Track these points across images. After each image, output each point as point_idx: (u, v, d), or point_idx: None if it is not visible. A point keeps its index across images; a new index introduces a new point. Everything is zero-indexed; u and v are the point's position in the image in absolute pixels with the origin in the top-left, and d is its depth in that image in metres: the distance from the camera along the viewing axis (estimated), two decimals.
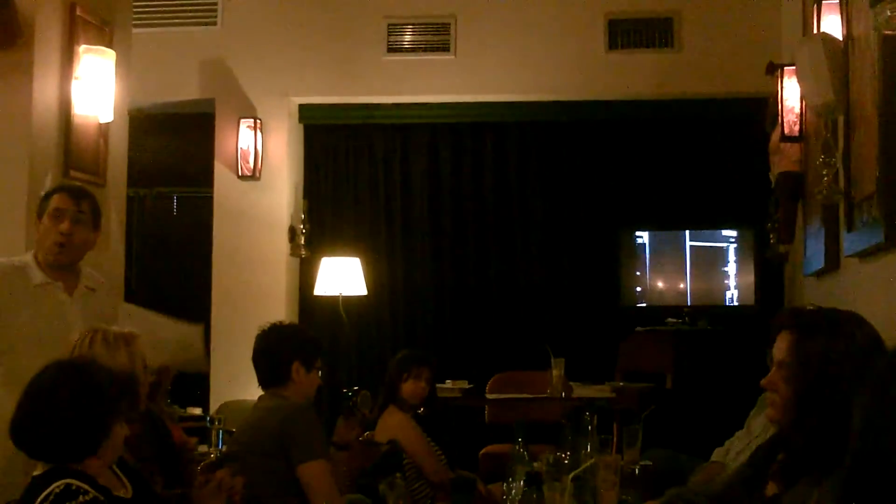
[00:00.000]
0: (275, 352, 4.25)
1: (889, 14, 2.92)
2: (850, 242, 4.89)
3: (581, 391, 6.87)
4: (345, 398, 4.36)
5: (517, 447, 2.61)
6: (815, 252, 5.96)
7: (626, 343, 7.95)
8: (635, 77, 8.18)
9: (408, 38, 8.37)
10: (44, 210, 4.12)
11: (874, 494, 1.22)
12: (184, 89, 8.43)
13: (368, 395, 4.42)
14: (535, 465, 3.06)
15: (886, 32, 3.32)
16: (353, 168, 8.73)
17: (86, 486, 2.76)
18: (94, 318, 3.87)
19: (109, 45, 5.69)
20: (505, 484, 2.68)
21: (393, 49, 8.35)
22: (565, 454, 3.28)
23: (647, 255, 8.30)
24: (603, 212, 8.43)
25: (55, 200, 4.11)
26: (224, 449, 4.70)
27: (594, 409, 3.87)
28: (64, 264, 4.11)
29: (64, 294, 4.09)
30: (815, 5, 5.43)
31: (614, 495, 3.57)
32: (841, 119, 5.13)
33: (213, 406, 7.65)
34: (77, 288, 4.15)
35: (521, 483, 2.58)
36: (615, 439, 3.85)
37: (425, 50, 8.35)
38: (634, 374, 7.65)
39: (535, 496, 2.42)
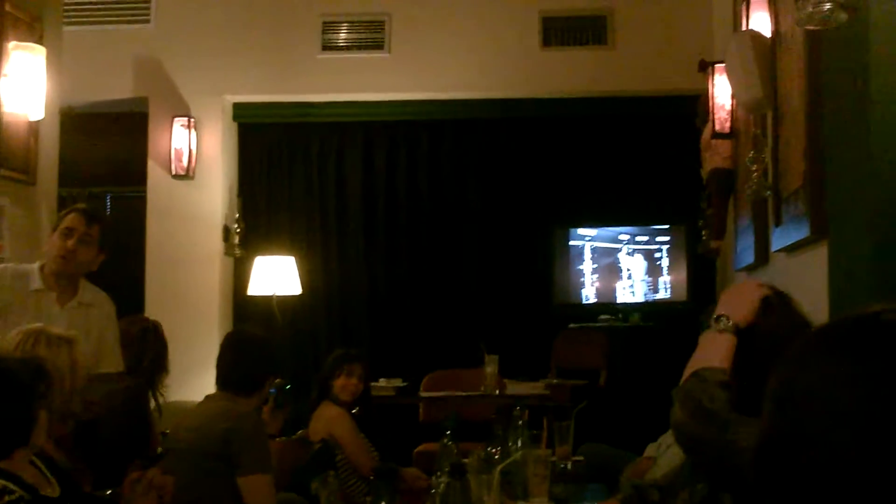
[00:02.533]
0: (257, 363, 4.24)
1: (811, 10, 2.94)
2: (778, 237, 4.94)
3: (515, 388, 6.89)
4: (272, 391, 4.36)
5: (445, 440, 2.61)
6: (745, 247, 6.02)
7: (560, 340, 8.00)
8: (569, 74, 8.22)
9: (343, 36, 8.35)
10: (57, 226, 4.48)
11: (785, 464, 1.23)
12: (117, 88, 8.34)
13: (290, 389, 4.43)
14: (467, 460, 3.06)
15: (809, 28, 3.35)
16: (287, 167, 8.69)
17: (12, 486, 2.73)
18: (83, 333, 3.91)
19: (40, 42, 5.62)
20: (433, 477, 2.67)
21: (328, 47, 8.32)
22: (496, 449, 3.29)
23: (581, 252, 8.34)
24: (537, 209, 8.47)
25: (68, 220, 4.47)
26: (158, 450, 4.66)
27: (525, 405, 3.88)
28: (62, 274, 4.42)
29: (56, 306, 4.37)
30: (745, 2, 5.47)
31: (544, 489, 3.59)
32: (769, 115, 5.18)
33: None
34: (70, 302, 4.43)
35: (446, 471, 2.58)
36: (545, 434, 3.86)
37: (360, 48, 8.33)
38: (569, 371, 7.69)
39: (458, 486, 2.42)
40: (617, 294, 8.28)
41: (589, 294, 8.30)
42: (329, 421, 5.19)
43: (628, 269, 8.30)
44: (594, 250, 8.34)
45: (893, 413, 1.16)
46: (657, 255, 8.27)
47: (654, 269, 8.27)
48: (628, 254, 8.31)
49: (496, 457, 3.19)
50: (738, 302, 2.47)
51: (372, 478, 1.73)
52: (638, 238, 8.33)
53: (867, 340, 1.22)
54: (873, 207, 3.01)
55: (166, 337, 5.04)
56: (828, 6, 2.86)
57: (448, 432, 2.64)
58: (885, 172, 2.97)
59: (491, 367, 6.51)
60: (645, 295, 8.26)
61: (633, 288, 8.29)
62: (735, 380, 2.39)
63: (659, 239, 8.28)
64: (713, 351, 2.45)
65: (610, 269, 8.34)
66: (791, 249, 4.69)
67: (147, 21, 8.34)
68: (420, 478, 4.92)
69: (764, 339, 2.37)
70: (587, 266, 8.33)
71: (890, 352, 1.20)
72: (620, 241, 8.34)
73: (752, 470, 1.29)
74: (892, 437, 1.16)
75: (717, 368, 2.41)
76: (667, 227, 8.24)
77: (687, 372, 2.42)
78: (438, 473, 2.66)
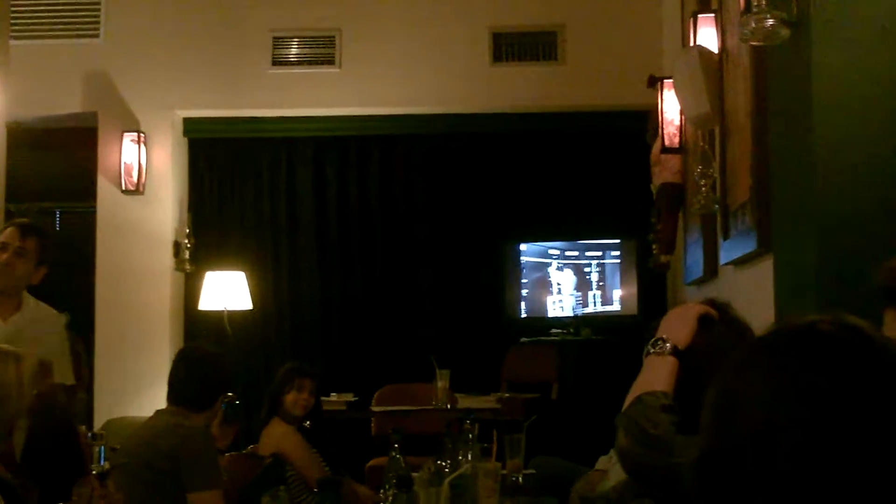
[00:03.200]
0: (209, 379, 4.24)
1: (754, 25, 2.99)
2: (726, 251, 5.00)
3: (466, 402, 6.90)
4: (222, 406, 4.36)
5: (393, 453, 2.61)
6: (694, 261, 6.08)
7: (511, 354, 8.01)
8: (520, 90, 8.25)
9: (293, 51, 8.35)
10: None
11: (723, 475, 1.24)
12: (66, 102, 8.27)
13: (239, 404, 4.43)
14: (416, 474, 3.06)
15: (753, 43, 3.39)
16: (238, 182, 8.66)
17: None
18: (28, 348, 3.89)
19: None
20: (381, 491, 2.68)
21: (278, 62, 8.31)
22: (446, 462, 3.29)
23: (531, 267, 8.38)
24: (488, 224, 8.49)
25: (3, 235, 4.50)
26: (106, 465, 4.63)
27: (475, 419, 3.89)
28: (1, 289, 4.43)
29: None
30: (693, 19, 5.54)
31: (494, 502, 3.60)
32: (717, 130, 5.25)
33: (98, 423, 7.51)
34: (12, 316, 4.43)
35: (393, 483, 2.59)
36: (495, 447, 3.87)
37: (310, 63, 8.32)
38: (520, 385, 7.70)
39: (405, 498, 2.43)
40: (567, 308, 8.31)
41: (539, 308, 8.33)
42: (278, 438, 5.17)
43: (578, 283, 8.33)
44: (544, 264, 8.38)
45: (828, 423, 1.18)
46: (608, 269, 8.32)
47: (604, 284, 8.31)
48: (579, 268, 8.35)
49: (446, 470, 3.20)
50: (676, 324, 2.50)
51: (316, 490, 1.73)
52: (588, 253, 8.37)
53: (803, 351, 1.24)
54: (817, 221, 3.05)
55: (118, 351, 5.02)
56: (770, 22, 2.91)
57: (396, 445, 2.64)
58: (827, 187, 3.02)
59: (442, 382, 6.52)
60: (595, 309, 8.29)
61: (583, 302, 8.33)
62: (679, 401, 2.41)
63: (610, 253, 8.32)
64: (655, 375, 2.47)
65: (560, 284, 8.37)
66: (739, 263, 4.75)
67: (96, 35, 8.29)
68: (371, 498, 4.93)
69: (705, 356, 2.39)
70: (537, 280, 8.36)
71: (825, 362, 1.21)
72: (571, 257, 8.38)
73: (692, 480, 1.30)
74: (827, 448, 1.18)
75: (659, 392, 2.42)
76: (617, 241, 8.28)
77: (630, 397, 2.44)
78: (386, 486, 2.66)
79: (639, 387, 2.47)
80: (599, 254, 8.35)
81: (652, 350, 2.47)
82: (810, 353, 1.23)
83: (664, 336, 2.47)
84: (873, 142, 2.99)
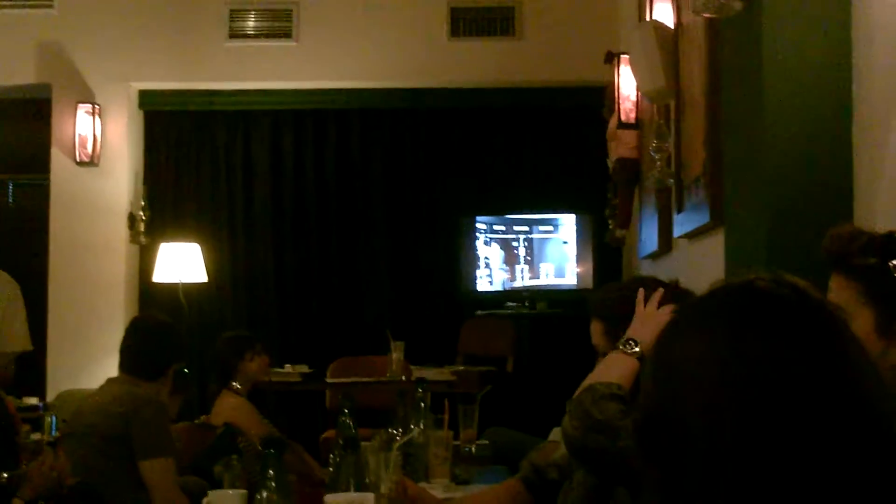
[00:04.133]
0: (161, 348, 4.22)
1: None
2: (679, 224, 5.03)
3: (421, 374, 6.90)
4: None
5: (343, 418, 2.62)
6: (649, 235, 6.11)
7: (467, 327, 8.05)
8: (477, 65, 8.25)
9: (250, 23, 8.30)
10: None
11: (664, 437, 1.24)
12: (19, 74, 8.19)
13: (189, 373, 4.43)
14: (368, 443, 3.07)
15: (705, 15, 3.41)
16: (194, 155, 8.61)
17: None
18: None
19: None
20: (331, 455, 2.69)
21: (235, 35, 8.26)
22: (397, 431, 3.31)
23: (487, 241, 8.40)
24: (444, 198, 8.51)
25: None
26: (56, 435, 4.63)
27: (427, 388, 3.91)
28: None
29: None
30: None
31: (445, 470, 3.62)
32: (672, 104, 5.27)
33: (51, 395, 7.48)
34: None
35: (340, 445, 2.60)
36: (447, 417, 3.89)
37: (267, 36, 8.28)
38: (476, 359, 7.73)
39: (352, 460, 2.44)
40: (523, 282, 8.35)
41: (495, 282, 8.37)
42: (230, 411, 5.16)
43: (535, 257, 8.37)
44: (501, 238, 8.40)
45: (765, 380, 1.19)
46: (565, 243, 8.36)
47: (561, 258, 8.35)
48: (535, 242, 8.38)
49: (397, 437, 3.21)
50: (648, 329, 2.52)
51: (261, 448, 1.74)
52: (544, 227, 8.41)
53: (741, 309, 1.25)
54: (767, 194, 3.08)
55: (72, 324, 5.00)
56: None
57: (346, 410, 2.65)
58: (777, 159, 3.05)
59: (397, 354, 6.53)
60: (552, 282, 8.34)
61: (539, 276, 8.37)
62: (635, 401, 2.43)
63: (566, 228, 8.36)
64: (614, 370, 2.50)
65: (516, 257, 8.40)
66: (692, 236, 4.78)
67: (50, 6, 8.20)
68: (318, 468, 4.95)
69: None
70: (493, 254, 8.39)
71: (763, 319, 1.23)
72: (526, 231, 8.41)
73: (634, 442, 1.31)
74: (765, 406, 1.19)
75: (613, 383, 2.45)
76: (573, 216, 8.33)
77: (584, 385, 2.47)
78: (335, 451, 2.67)
79: (594, 377, 2.50)
80: (551, 228, 8.39)
81: (620, 347, 2.50)
82: (749, 312, 1.25)
83: (635, 338, 2.49)
84: (823, 115, 3.02)
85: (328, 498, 1.98)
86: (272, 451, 1.73)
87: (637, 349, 2.49)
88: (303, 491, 2.56)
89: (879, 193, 2.74)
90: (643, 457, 1.28)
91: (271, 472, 1.72)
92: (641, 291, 2.67)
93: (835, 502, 1.16)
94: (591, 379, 2.51)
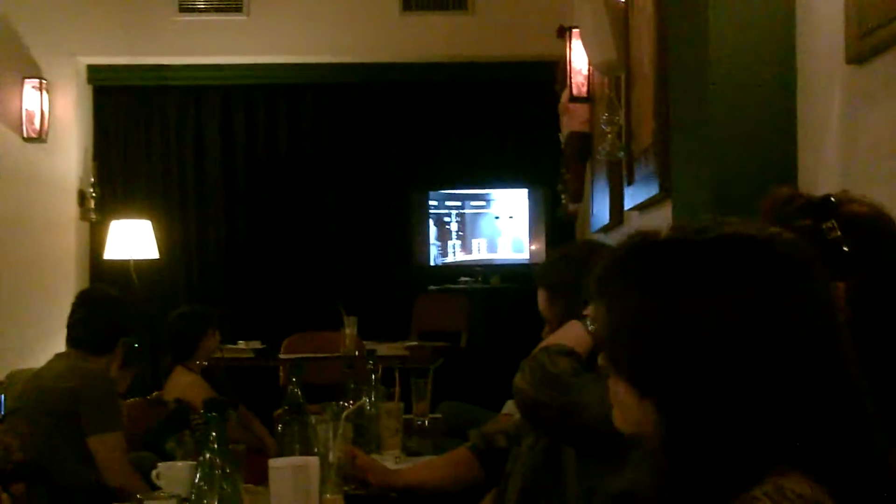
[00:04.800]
0: (108, 321, 4.19)
1: None
2: (630, 196, 5.06)
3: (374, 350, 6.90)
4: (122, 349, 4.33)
5: (292, 387, 2.62)
6: (601, 208, 6.14)
7: (420, 302, 8.06)
8: (429, 39, 8.23)
9: None
10: None
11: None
12: None
13: (139, 348, 4.41)
14: (319, 416, 3.06)
15: None
16: (144, 130, 8.56)
17: None
18: None
19: None
20: (280, 424, 2.70)
21: (185, 8, 8.18)
22: (348, 403, 3.31)
23: (440, 216, 8.42)
24: (396, 172, 8.53)
25: None
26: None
27: (376, 358, 3.91)
28: None
29: None
30: None
31: (397, 441, 3.63)
32: (623, 77, 5.29)
33: (0, 375, 7.41)
34: None
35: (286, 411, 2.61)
36: (398, 389, 3.90)
37: (217, 10, 8.21)
38: (430, 334, 7.74)
39: (297, 425, 2.45)
40: (476, 256, 8.37)
41: (448, 256, 8.39)
42: (184, 387, 5.14)
43: (488, 232, 8.39)
44: (453, 213, 8.42)
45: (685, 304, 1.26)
46: (517, 218, 8.39)
47: (514, 232, 8.38)
48: (488, 217, 8.41)
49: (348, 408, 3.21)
50: None
51: (203, 410, 1.74)
52: (499, 201, 8.44)
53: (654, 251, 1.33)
54: (712, 163, 3.10)
55: (22, 302, 4.95)
56: None
57: (294, 379, 2.65)
58: (722, 129, 3.07)
59: (350, 329, 6.51)
60: (505, 257, 8.37)
61: (492, 250, 8.40)
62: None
63: (519, 202, 8.39)
64: (572, 337, 2.52)
65: (469, 232, 8.42)
66: (643, 208, 4.80)
67: None
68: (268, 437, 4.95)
69: None
70: (447, 229, 8.41)
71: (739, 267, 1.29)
72: (480, 205, 8.43)
73: (606, 356, 1.36)
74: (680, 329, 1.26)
75: (568, 346, 2.47)
76: (525, 190, 8.35)
77: (539, 346, 2.49)
78: (283, 417, 2.68)
79: (551, 340, 2.52)
80: (504, 203, 8.42)
81: (587, 322, 2.51)
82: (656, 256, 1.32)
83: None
84: (767, 85, 3.04)
85: (273, 462, 1.98)
86: (214, 413, 1.72)
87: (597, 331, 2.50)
88: (250, 456, 2.56)
89: (822, 163, 2.76)
90: (612, 362, 1.35)
91: (214, 433, 1.71)
92: None
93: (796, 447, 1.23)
94: (547, 342, 2.53)
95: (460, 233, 8.43)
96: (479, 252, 8.40)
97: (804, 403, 1.24)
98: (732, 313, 1.24)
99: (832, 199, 1.87)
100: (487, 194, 8.46)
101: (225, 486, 1.68)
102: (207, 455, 1.72)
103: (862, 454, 1.24)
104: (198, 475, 1.71)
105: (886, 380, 1.60)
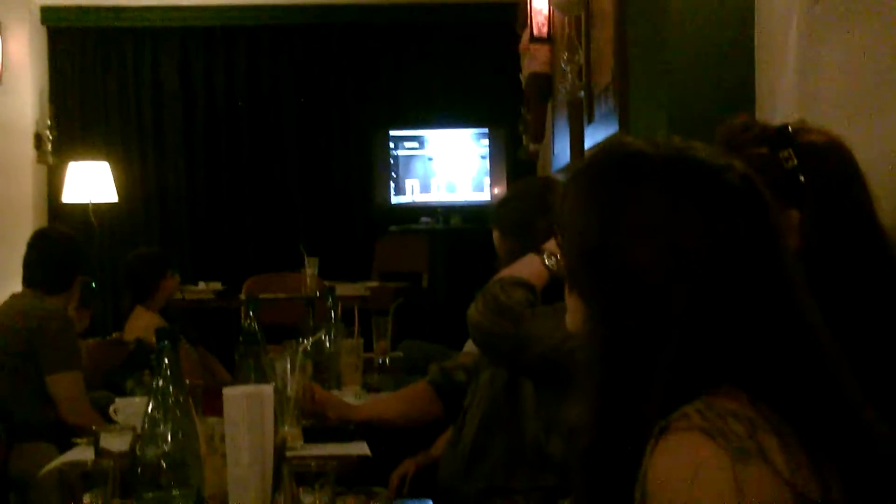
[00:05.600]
0: (63, 260, 4.16)
1: None
2: (590, 135, 5.06)
3: (336, 291, 6.88)
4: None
5: (248, 321, 2.62)
6: (561, 148, 6.13)
7: (381, 243, 8.06)
8: None
9: None
10: None
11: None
12: None
13: (96, 287, 4.39)
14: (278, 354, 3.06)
15: None
16: (101, 72, 8.46)
17: None
18: None
19: None
20: (236, 355, 2.70)
21: None
22: (308, 339, 3.31)
23: (400, 156, 8.41)
24: (356, 113, 8.50)
25: None
26: None
27: (335, 297, 3.92)
28: None
29: None
30: None
31: (357, 378, 3.64)
32: (583, 16, 5.27)
33: None
34: None
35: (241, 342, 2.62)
36: (356, 327, 3.91)
37: None
38: (391, 274, 7.74)
39: (252, 357, 2.46)
40: (437, 197, 8.37)
41: (408, 197, 8.39)
42: (143, 328, 5.12)
43: (448, 173, 8.39)
44: (414, 153, 8.42)
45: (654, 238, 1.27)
46: (478, 158, 8.39)
47: (475, 173, 8.39)
48: (449, 157, 8.41)
49: (308, 348, 3.21)
50: None
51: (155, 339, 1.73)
52: (459, 142, 8.43)
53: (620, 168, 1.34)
54: (669, 100, 3.12)
55: None
56: None
57: (251, 313, 2.65)
58: (680, 66, 3.08)
59: (311, 270, 6.48)
60: (466, 198, 8.38)
61: (453, 191, 8.41)
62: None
63: (479, 143, 8.40)
64: (527, 271, 2.52)
65: (430, 172, 8.42)
66: None
67: None
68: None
69: None
70: (407, 169, 8.40)
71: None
72: (439, 145, 8.43)
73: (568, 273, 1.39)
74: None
75: (523, 279, 2.47)
76: (486, 130, 8.36)
77: (495, 278, 2.49)
78: (238, 348, 2.69)
79: (507, 272, 2.52)
80: (468, 143, 8.42)
81: (542, 256, 2.51)
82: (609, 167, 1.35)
83: (557, 255, 2.49)
84: (723, 21, 3.05)
85: (227, 390, 1.97)
86: (166, 341, 1.72)
87: (556, 265, 2.49)
88: (210, 395, 2.55)
89: (779, 94, 2.77)
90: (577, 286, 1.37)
91: (167, 361, 1.70)
92: None
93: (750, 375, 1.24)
94: (502, 273, 2.54)
95: (417, 174, 8.42)
96: (440, 192, 8.39)
97: (737, 326, 1.25)
98: (668, 232, 1.26)
99: (789, 128, 1.88)
100: (449, 134, 8.44)
101: (178, 413, 1.68)
102: (160, 382, 1.71)
103: (807, 375, 1.26)
104: (150, 404, 1.70)
105: (838, 304, 1.61)
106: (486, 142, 8.37)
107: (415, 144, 8.43)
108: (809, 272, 1.36)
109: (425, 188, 8.40)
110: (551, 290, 2.45)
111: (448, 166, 8.40)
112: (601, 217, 1.30)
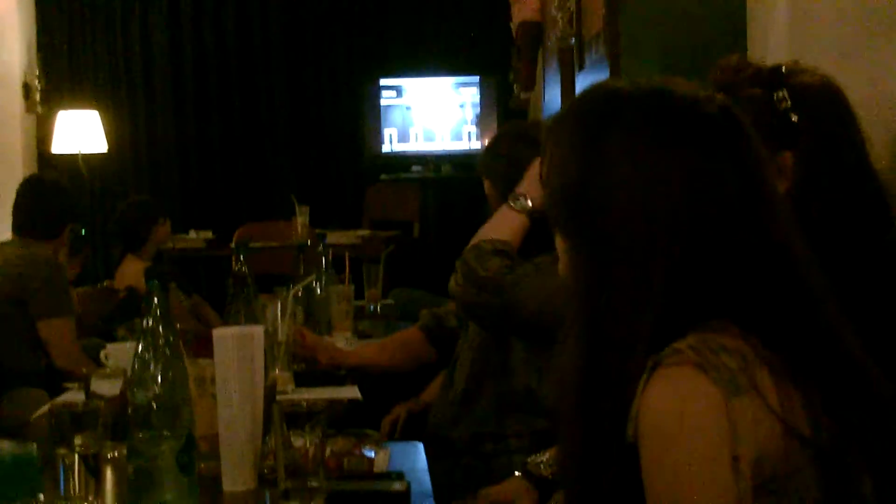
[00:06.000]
0: (53, 207, 4.15)
1: None
2: (581, 83, 5.04)
3: (327, 238, 6.88)
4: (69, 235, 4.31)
5: (238, 265, 2.62)
6: (552, 96, 6.12)
7: (372, 192, 8.06)
8: None
9: None
10: None
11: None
12: None
13: (86, 234, 4.38)
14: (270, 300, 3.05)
15: None
16: (89, 21, 8.41)
17: None
18: None
19: None
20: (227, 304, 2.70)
21: None
22: (299, 287, 3.30)
23: (391, 104, 8.39)
24: (346, 60, 8.49)
25: None
26: None
27: (326, 244, 3.92)
28: None
29: None
30: None
31: (348, 324, 3.64)
32: None
33: None
34: None
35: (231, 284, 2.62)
36: (347, 274, 3.91)
37: None
38: (382, 223, 7.75)
39: (242, 302, 2.46)
40: (428, 145, 8.36)
41: (399, 145, 8.37)
42: (134, 276, 5.12)
43: (439, 120, 8.38)
44: (405, 101, 8.40)
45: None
46: (469, 106, 8.38)
47: (465, 121, 8.37)
48: (440, 105, 8.38)
49: (299, 294, 3.21)
50: (536, 182, 2.51)
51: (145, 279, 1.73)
52: (450, 90, 8.41)
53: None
54: (660, 43, 3.11)
55: None
56: None
57: (241, 258, 2.65)
58: (668, 8, 3.07)
59: (302, 218, 6.48)
60: (457, 146, 8.36)
61: (444, 139, 8.39)
62: (525, 256, 2.46)
63: (470, 91, 8.38)
64: (501, 226, 2.50)
65: (420, 120, 8.40)
66: None
67: None
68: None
69: None
70: (398, 117, 8.38)
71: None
72: (431, 93, 8.41)
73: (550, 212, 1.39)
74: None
75: (497, 240, 2.46)
76: (477, 78, 8.34)
77: (473, 242, 2.48)
78: (228, 291, 2.69)
79: (483, 233, 2.51)
80: (458, 91, 8.40)
81: (510, 202, 2.49)
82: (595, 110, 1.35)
83: (524, 193, 2.48)
84: None
85: (217, 331, 1.97)
86: (155, 281, 1.71)
87: (527, 203, 2.48)
88: (201, 341, 2.55)
89: (771, 35, 2.76)
90: (561, 225, 1.37)
91: (155, 301, 1.69)
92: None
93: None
94: (479, 236, 2.52)
95: (412, 120, 8.40)
96: (432, 142, 8.38)
97: (721, 257, 1.26)
98: (647, 165, 1.27)
99: (783, 69, 1.87)
100: (440, 82, 8.42)
101: (168, 354, 1.67)
102: (149, 322, 1.70)
103: (794, 308, 1.26)
104: (140, 345, 1.69)
105: (831, 243, 1.62)
106: (477, 90, 8.36)
107: (404, 92, 8.41)
108: (802, 212, 1.35)
109: (416, 136, 8.39)
110: (535, 238, 2.45)
111: (439, 114, 8.39)
112: (581, 156, 1.31)
